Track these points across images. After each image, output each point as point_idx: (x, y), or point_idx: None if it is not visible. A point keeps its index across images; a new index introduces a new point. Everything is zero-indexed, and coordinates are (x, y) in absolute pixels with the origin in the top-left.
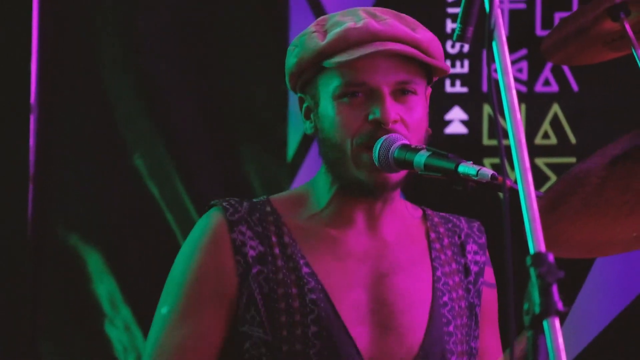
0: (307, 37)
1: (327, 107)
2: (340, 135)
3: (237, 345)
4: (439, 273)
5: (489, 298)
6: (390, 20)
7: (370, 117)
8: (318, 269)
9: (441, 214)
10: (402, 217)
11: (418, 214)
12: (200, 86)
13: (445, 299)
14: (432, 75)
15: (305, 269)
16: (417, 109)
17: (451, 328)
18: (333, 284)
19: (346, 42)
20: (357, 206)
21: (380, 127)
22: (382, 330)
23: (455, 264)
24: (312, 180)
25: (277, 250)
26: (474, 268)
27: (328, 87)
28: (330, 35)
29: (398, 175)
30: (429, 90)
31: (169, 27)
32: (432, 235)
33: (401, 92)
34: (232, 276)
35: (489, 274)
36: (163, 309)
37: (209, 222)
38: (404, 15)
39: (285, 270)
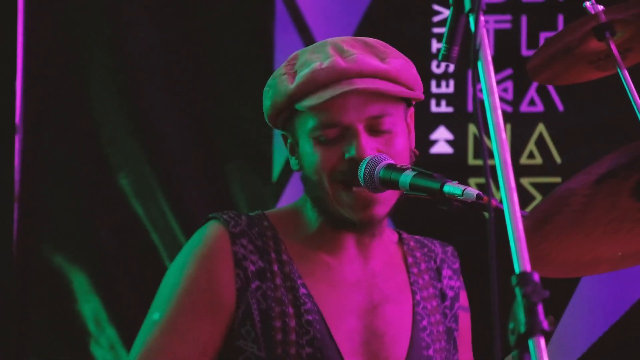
0: (278, 80)
1: (305, 146)
2: (318, 173)
3: (231, 359)
4: (418, 297)
5: (464, 322)
6: (357, 56)
7: (347, 155)
8: (314, 292)
9: (416, 237)
10: (387, 245)
11: (395, 238)
12: (186, 106)
13: (425, 323)
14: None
15: (302, 290)
16: (396, 141)
17: (431, 352)
18: (328, 310)
19: (314, 84)
20: (347, 236)
21: (357, 165)
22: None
23: (432, 289)
24: (302, 200)
25: (275, 267)
26: (449, 293)
27: (304, 127)
28: (299, 78)
29: (383, 210)
30: (412, 110)
31: (155, 46)
32: (410, 259)
33: (376, 131)
34: (231, 289)
35: (464, 298)
36: (155, 315)
37: (211, 233)
38: (373, 43)
39: (284, 289)
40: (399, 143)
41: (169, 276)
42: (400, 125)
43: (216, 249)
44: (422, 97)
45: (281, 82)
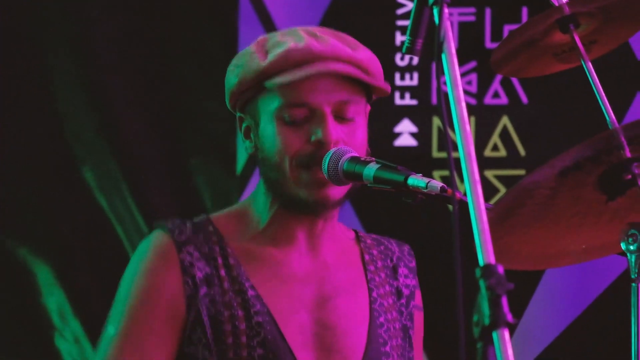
0: (248, 57)
1: (268, 127)
2: (280, 155)
3: None
4: (374, 294)
5: (418, 321)
6: (331, 40)
7: (313, 138)
8: (263, 291)
9: (372, 235)
10: (339, 238)
11: (351, 235)
12: (150, 99)
13: (382, 319)
14: (372, 93)
15: (250, 292)
16: (358, 132)
17: (387, 348)
18: (278, 307)
19: (288, 62)
20: (298, 225)
21: (322, 148)
22: (326, 353)
23: (389, 287)
24: (251, 197)
25: (223, 272)
26: (405, 291)
27: (269, 107)
28: (272, 56)
29: (339, 193)
30: (368, 107)
31: (118, 41)
32: (367, 257)
33: (341, 118)
34: (181, 297)
35: (418, 298)
36: (110, 330)
37: (156, 242)
38: (343, 34)
39: (232, 293)
40: (360, 134)
41: (121, 290)
42: (362, 117)
43: (163, 258)
44: (389, 90)
45: (252, 59)
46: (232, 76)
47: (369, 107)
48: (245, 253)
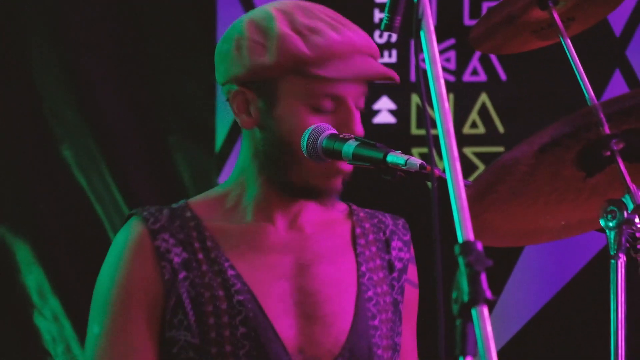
0: (284, 39)
1: (290, 111)
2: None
3: (164, 351)
4: (363, 268)
5: (411, 297)
6: (358, 30)
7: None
8: (242, 268)
9: (366, 209)
10: (325, 210)
11: (342, 208)
12: (129, 78)
13: (370, 293)
14: None
15: (230, 272)
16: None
17: (376, 322)
18: (257, 280)
19: (331, 54)
20: (279, 205)
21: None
22: (308, 320)
23: (380, 260)
24: (230, 180)
25: (200, 256)
26: (398, 265)
27: (295, 91)
28: (315, 46)
29: (342, 182)
30: None
31: (97, 19)
32: (358, 230)
33: (357, 108)
34: (158, 283)
35: (412, 272)
36: (94, 328)
37: (130, 232)
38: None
39: (211, 274)
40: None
41: (100, 283)
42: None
43: (137, 248)
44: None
45: (289, 42)
46: (268, 55)
47: None
48: (222, 233)
